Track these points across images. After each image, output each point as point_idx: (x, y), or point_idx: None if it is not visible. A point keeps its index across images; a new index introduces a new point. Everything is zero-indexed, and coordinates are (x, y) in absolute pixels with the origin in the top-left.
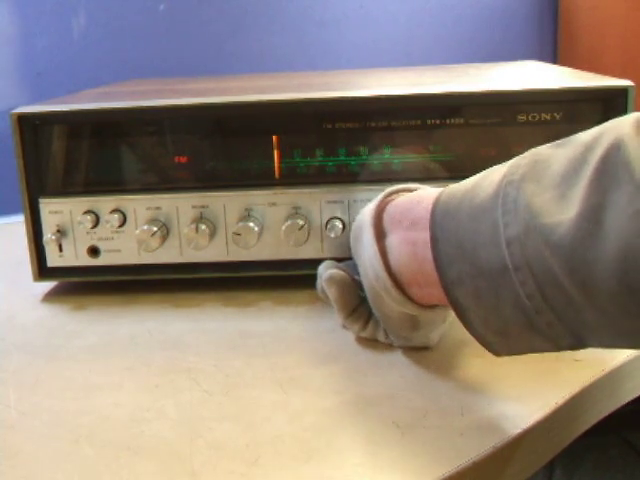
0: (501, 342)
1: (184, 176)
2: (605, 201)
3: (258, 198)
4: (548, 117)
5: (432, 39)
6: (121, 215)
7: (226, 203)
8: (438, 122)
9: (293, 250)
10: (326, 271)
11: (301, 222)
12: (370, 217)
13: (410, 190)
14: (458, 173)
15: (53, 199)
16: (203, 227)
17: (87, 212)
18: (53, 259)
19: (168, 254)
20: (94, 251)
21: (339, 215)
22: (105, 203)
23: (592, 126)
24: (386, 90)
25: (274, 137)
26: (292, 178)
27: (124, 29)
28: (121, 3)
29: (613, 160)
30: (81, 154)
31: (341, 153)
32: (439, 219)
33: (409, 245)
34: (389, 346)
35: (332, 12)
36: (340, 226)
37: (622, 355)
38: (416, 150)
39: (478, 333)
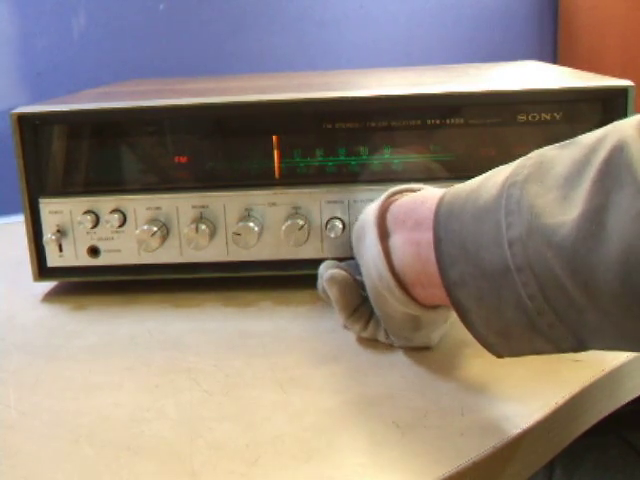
0: (502, 343)
1: (184, 176)
2: (608, 202)
3: (258, 198)
4: (548, 117)
5: (432, 39)
6: (121, 215)
7: (226, 203)
8: (438, 122)
9: (293, 250)
10: (327, 271)
11: (301, 222)
12: (374, 217)
13: (413, 190)
14: (458, 173)
15: (53, 199)
16: (203, 227)
17: (87, 212)
18: (53, 259)
19: (168, 254)
20: (94, 251)
21: (339, 215)
22: (105, 203)
23: (592, 126)
24: (386, 90)
25: (274, 137)
26: (292, 178)
27: (124, 29)
28: (121, 3)
29: (616, 162)
30: (81, 154)
31: (341, 153)
32: (443, 220)
33: (413, 245)
34: (390, 346)
35: (332, 12)
36: (340, 226)
37: (622, 355)
38: (416, 150)
39: (480, 334)
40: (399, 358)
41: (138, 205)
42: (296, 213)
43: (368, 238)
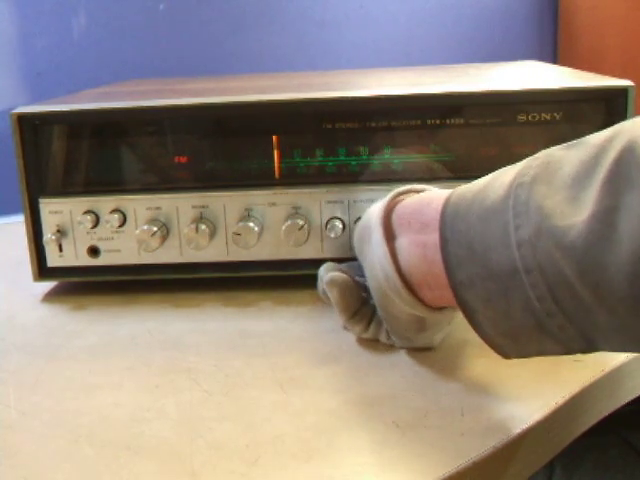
0: (510, 344)
1: (184, 176)
2: (619, 203)
3: (258, 198)
4: (548, 117)
5: (432, 39)
6: (121, 215)
7: (226, 203)
8: (438, 122)
9: (293, 250)
10: (327, 273)
11: (301, 222)
12: (379, 218)
13: (417, 191)
14: (458, 173)
15: (53, 199)
16: (203, 227)
17: (87, 212)
18: (53, 259)
19: (168, 254)
20: (94, 251)
21: (339, 215)
22: (105, 203)
23: (592, 126)
24: (386, 90)
25: (274, 137)
26: (292, 178)
27: (124, 29)
28: (121, 3)
29: (627, 162)
30: (81, 154)
31: (341, 153)
32: (449, 220)
33: (419, 247)
34: (390, 346)
35: (332, 12)
36: (340, 226)
37: (622, 355)
38: (416, 150)
39: (487, 335)
40: (400, 358)
41: (138, 205)
42: (296, 213)
43: (373, 239)
